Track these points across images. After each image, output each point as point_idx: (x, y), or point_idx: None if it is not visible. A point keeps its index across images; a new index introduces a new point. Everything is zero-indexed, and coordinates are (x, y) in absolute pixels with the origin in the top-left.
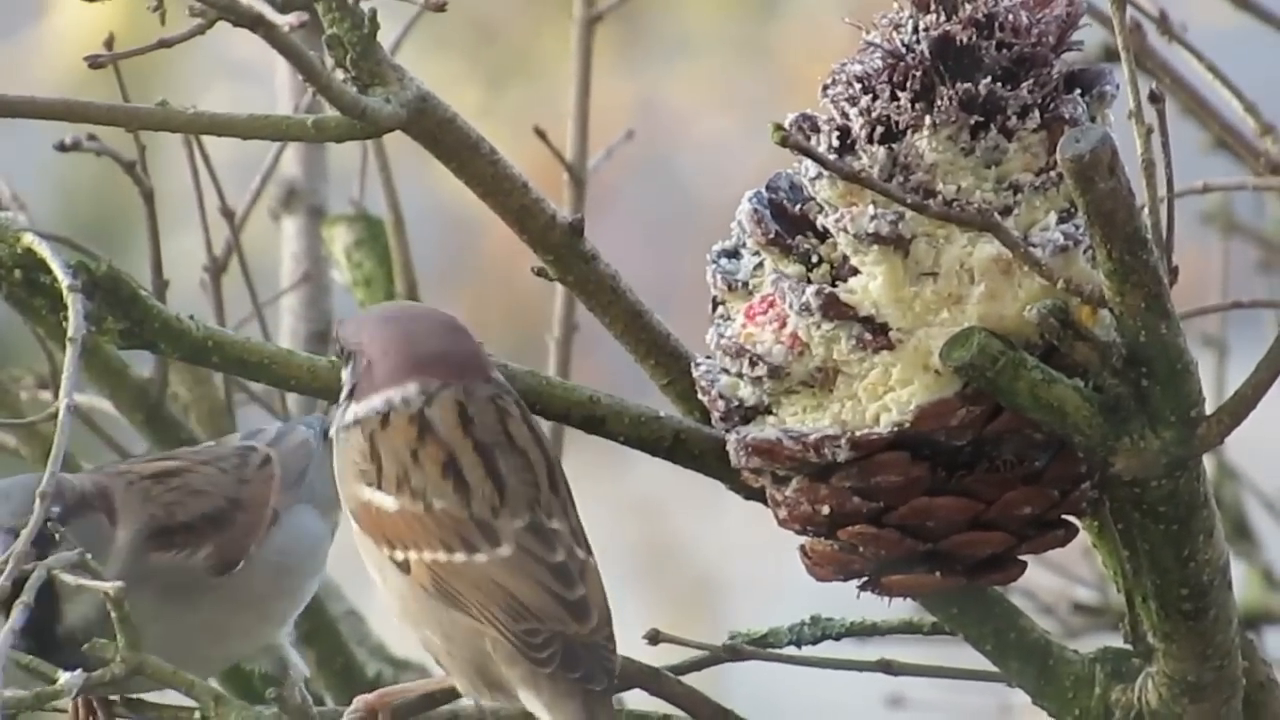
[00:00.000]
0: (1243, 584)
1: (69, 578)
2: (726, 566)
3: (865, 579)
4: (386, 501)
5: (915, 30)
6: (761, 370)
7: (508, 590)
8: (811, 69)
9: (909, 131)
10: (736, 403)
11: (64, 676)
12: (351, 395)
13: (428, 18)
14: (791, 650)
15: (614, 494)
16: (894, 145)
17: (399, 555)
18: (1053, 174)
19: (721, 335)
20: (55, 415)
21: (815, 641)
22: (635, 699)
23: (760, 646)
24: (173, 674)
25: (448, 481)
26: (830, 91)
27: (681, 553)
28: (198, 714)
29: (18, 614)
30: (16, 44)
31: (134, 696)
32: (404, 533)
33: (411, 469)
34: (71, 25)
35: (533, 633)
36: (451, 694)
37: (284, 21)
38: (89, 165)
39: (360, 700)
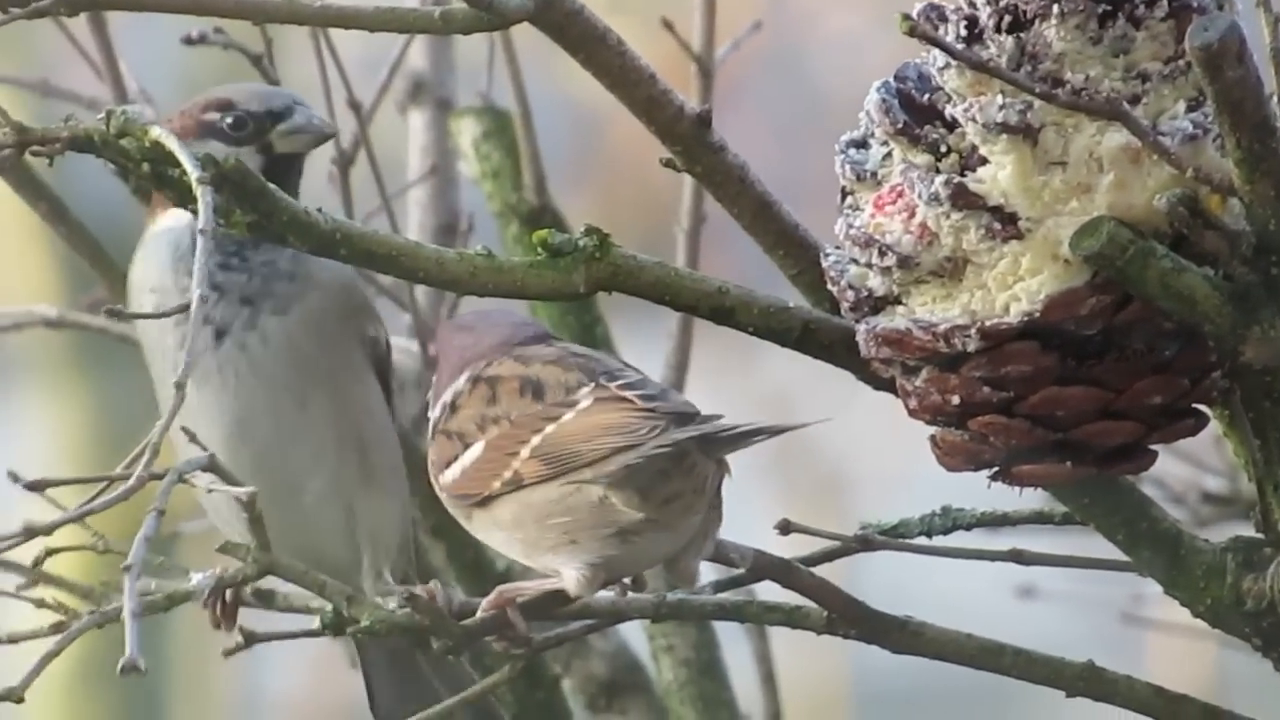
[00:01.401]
0: None
1: (205, 480)
2: (855, 460)
3: (995, 469)
4: (472, 453)
5: None
6: (890, 260)
7: (599, 421)
8: None
9: (1036, 20)
10: (866, 293)
11: (196, 577)
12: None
13: None
14: (922, 541)
15: (742, 388)
16: (1022, 34)
17: (506, 474)
18: (1181, 63)
19: (850, 225)
20: (187, 308)
21: (946, 532)
22: (766, 590)
23: (891, 537)
24: (304, 573)
25: (525, 396)
26: None
27: (810, 446)
28: (328, 606)
29: (148, 522)
30: None
31: (264, 589)
32: (503, 452)
33: (488, 409)
34: None
35: (636, 427)
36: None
37: None
38: (215, 60)
39: (490, 599)
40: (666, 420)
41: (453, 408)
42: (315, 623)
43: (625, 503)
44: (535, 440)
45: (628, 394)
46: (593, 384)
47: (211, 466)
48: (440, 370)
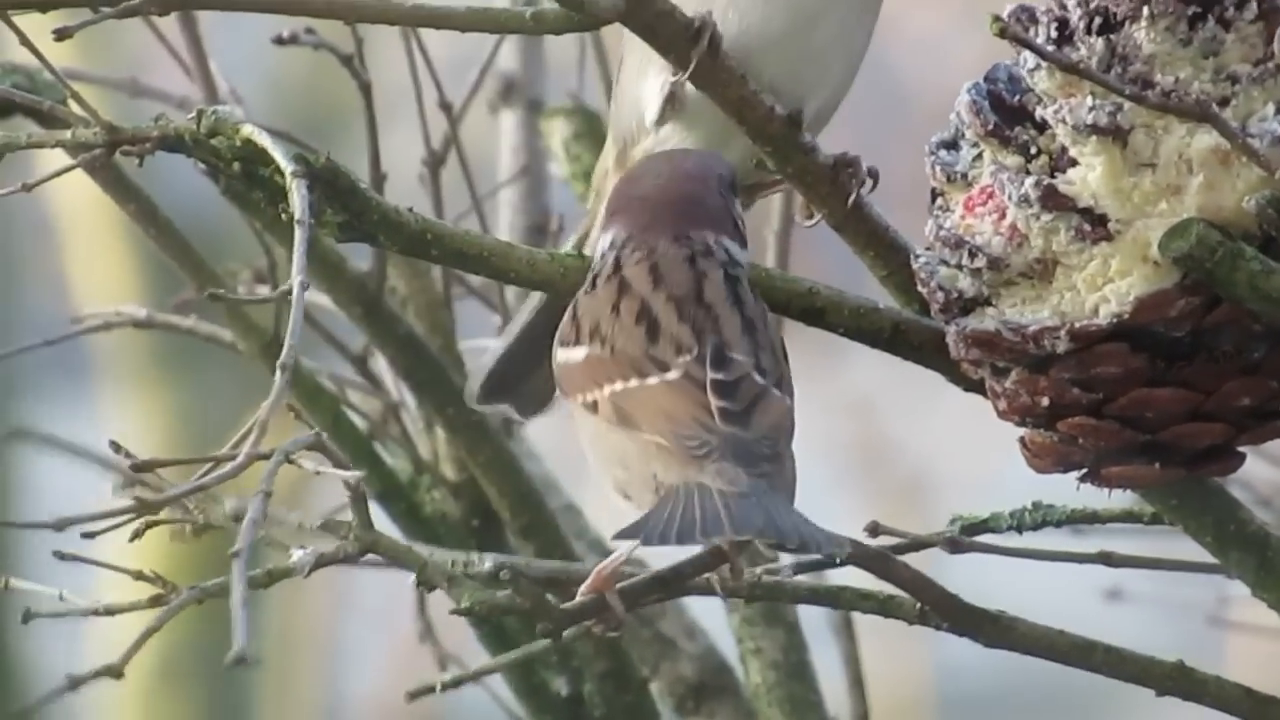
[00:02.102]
0: None
1: (312, 462)
2: (942, 463)
3: (1084, 470)
4: (578, 354)
5: None
6: (981, 261)
7: (667, 406)
8: None
9: (1126, 22)
10: (956, 294)
11: (296, 554)
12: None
13: None
14: (1010, 541)
15: (829, 391)
16: (1112, 36)
17: (589, 397)
18: (1270, 65)
19: (940, 226)
20: (285, 295)
21: (1036, 527)
22: (861, 579)
23: (981, 531)
24: (405, 551)
25: (640, 327)
26: None
27: (898, 449)
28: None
29: (256, 503)
30: None
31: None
32: (592, 376)
33: (606, 319)
34: None
35: (688, 438)
36: (679, 576)
37: None
38: (305, 60)
39: (589, 582)
40: (722, 446)
41: (594, 283)
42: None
43: (670, 472)
44: (617, 386)
45: (713, 392)
46: (693, 354)
47: (318, 445)
48: (623, 196)
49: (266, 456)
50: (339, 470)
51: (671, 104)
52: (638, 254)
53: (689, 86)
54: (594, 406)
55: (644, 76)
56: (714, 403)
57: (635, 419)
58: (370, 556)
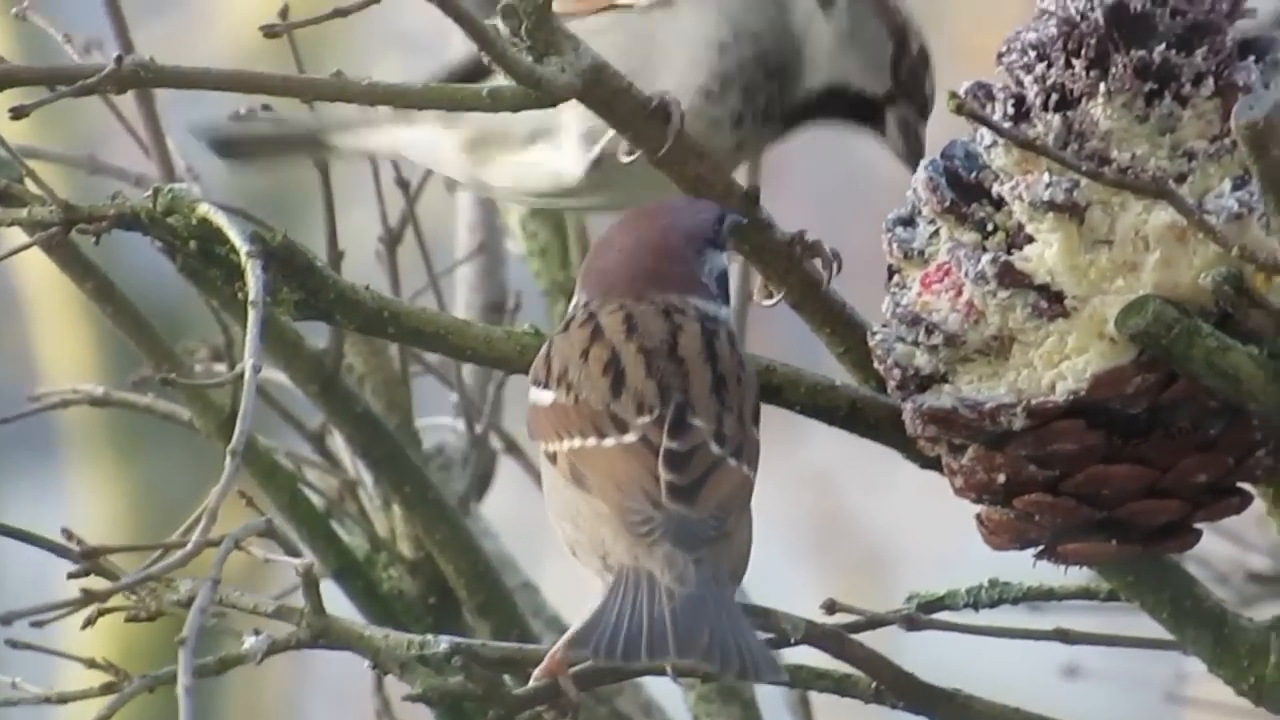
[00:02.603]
0: None
1: (263, 551)
2: (900, 538)
3: (1041, 547)
4: (545, 396)
5: None
6: (937, 338)
7: (619, 472)
8: (983, 38)
9: (1083, 99)
10: (913, 371)
11: (249, 640)
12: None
13: None
14: (967, 618)
15: (788, 465)
16: (1069, 113)
17: (550, 448)
18: (1226, 141)
19: (897, 303)
20: (239, 377)
21: (993, 604)
22: (818, 658)
23: (938, 609)
24: (359, 637)
25: (606, 378)
26: (1005, 59)
27: (854, 526)
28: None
29: (204, 591)
30: (190, 15)
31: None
32: (554, 425)
33: (574, 365)
34: None
35: (633, 511)
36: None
37: None
38: None
39: (543, 666)
40: (666, 524)
41: (566, 327)
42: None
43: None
44: (575, 443)
45: (664, 464)
46: (653, 415)
47: (268, 531)
48: (596, 244)
49: (216, 543)
50: (289, 559)
51: (598, 168)
52: (611, 305)
53: (622, 156)
54: (553, 458)
55: (554, 137)
56: (664, 475)
57: (588, 481)
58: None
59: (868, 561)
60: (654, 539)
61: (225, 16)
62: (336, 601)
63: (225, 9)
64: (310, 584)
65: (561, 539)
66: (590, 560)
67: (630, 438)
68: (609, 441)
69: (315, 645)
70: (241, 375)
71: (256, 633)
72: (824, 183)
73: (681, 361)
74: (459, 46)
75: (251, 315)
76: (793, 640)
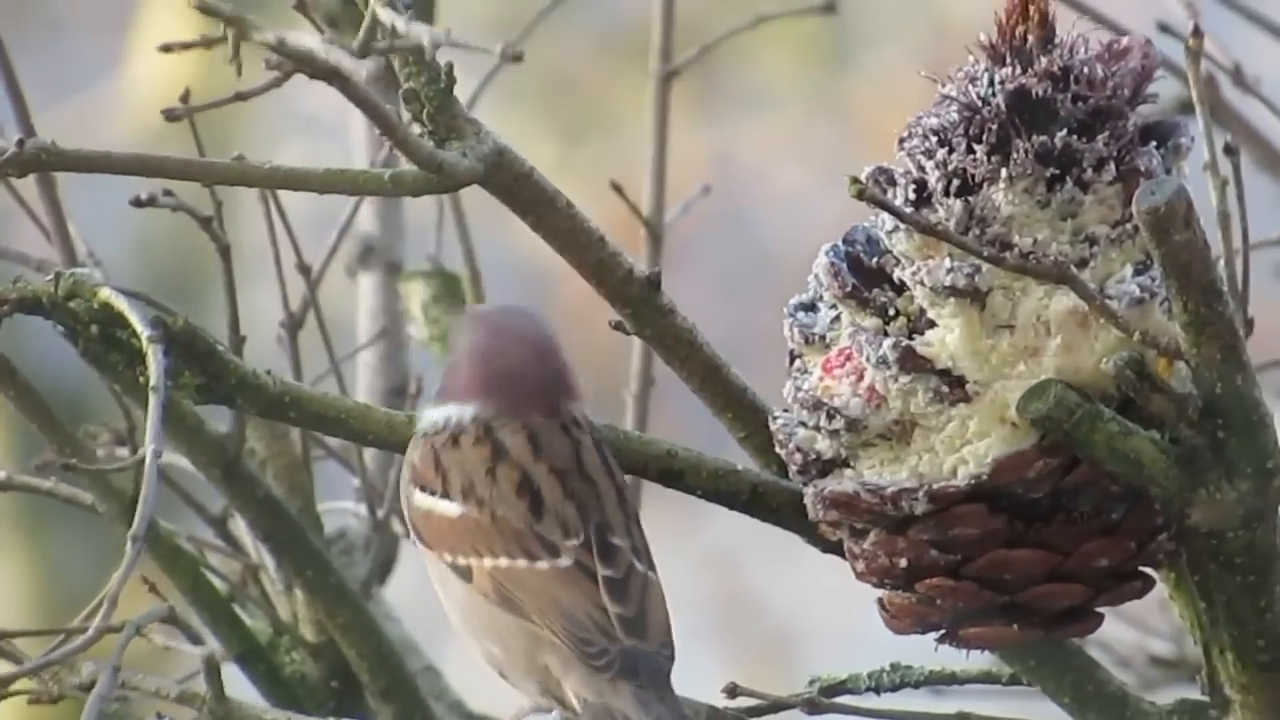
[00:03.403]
0: None
1: (164, 638)
2: (803, 620)
3: (943, 631)
4: (450, 508)
5: (991, 83)
6: (839, 423)
7: (562, 602)
8: (886, 121)
9: (985, 184)
10: (814, 455)
11: None
12: (435, 396)
13: (504, 73)
14: (869, 703)
15: (691, 548)
16: (970, 198)
17: (460, 561)
18: (1128, 226)
19: (799, 388)
20: (141, 462)
21: (895, 688)
22: None
23: (840, 693)
24: None
25: (522, 500)
26: (906, 144)
27: (759, 607)
28: None
29: (104, 679)
30: (92, 98)
31: None
32: (466, 539)
33: (481, 482)
34: (147, 79)
35: (587, 643)
36: None
37: (361, 72)
38: (165, 221)
39: None
40: (625, 661)
41: (454, 439)
42: None
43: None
44: (501, 562)
45: (606, 592)
46: (580, 539)
47: (170, 618)
48: (456, 368)
49: (117, 629)
50: (191, 647)
51: None
52: (510, 423)
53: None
54: (467, 573)
55: None
56: (610, 608)
57: (523, 605)
58: None
59: (772, 644)
60: (613, 674)
61: (128, 100)
62: (239, 685)
63: (129, 92)
64: (212, 671)
65: (483, 658)
66: (526, 685)
67: (564, 561)
68: (541, 564)
69: None
70: (143, 460)
71: (160, 716)
72: (727, 267)
73: (592, 481)
74: (360, 131)
75: (152, 400)
76: None
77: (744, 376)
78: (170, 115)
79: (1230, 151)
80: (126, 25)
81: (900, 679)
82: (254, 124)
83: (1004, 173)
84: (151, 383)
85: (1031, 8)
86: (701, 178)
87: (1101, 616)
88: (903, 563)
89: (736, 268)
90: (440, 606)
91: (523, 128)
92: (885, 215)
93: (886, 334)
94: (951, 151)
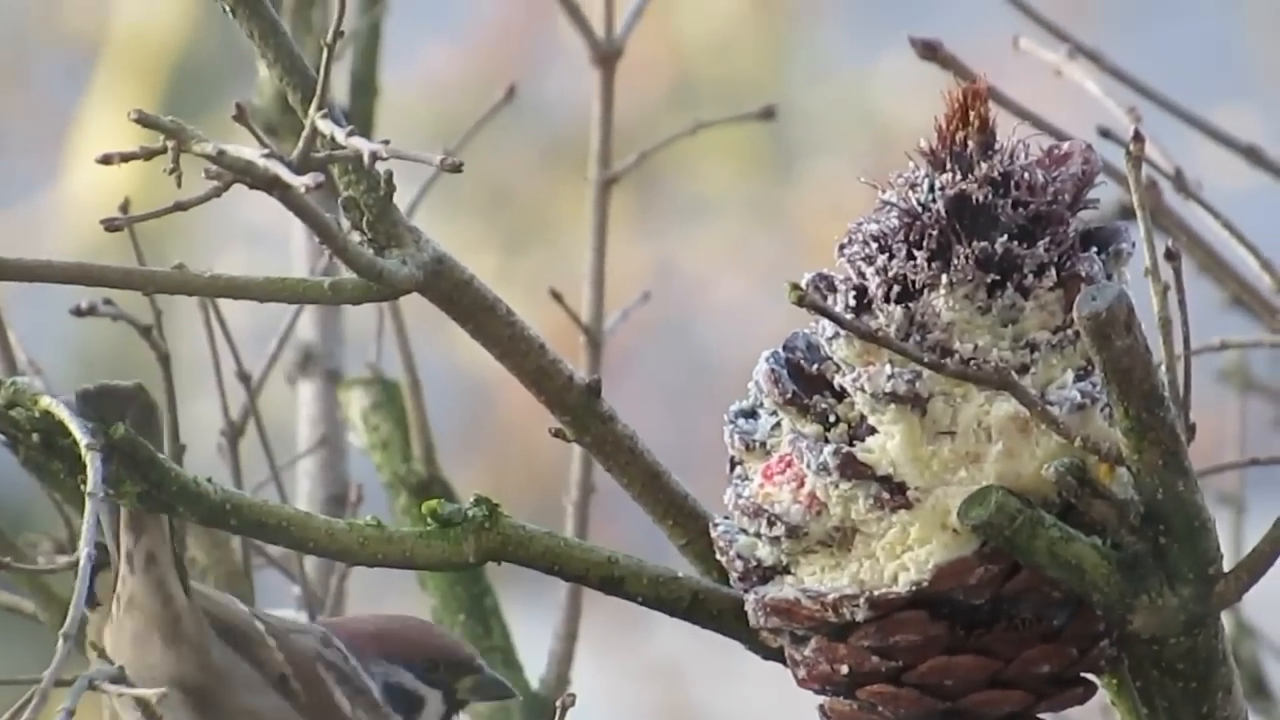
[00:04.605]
0: None
1: (110, 688)
2: None
3: None
4: None
5: (931, 189)
6: (779, 530)
7: None
8: (828, 230)
9: (925, 290)
10: (755, 562)
11: None
12: None
13: (444, 181)
14: None
15: (635, 661)
16: (911, 304)
17: None
18: (1069, 332)
19: (739, 495)
20: (71, 565)
21: None
22: None
23: None
24: None
25: None
26: (846, 251)
27: (702, 715)
28: None
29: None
30: (32, 208)
31: None
32: None
33: None
34: (85, 192)
35: None
36: None
37: (300, 183)
38: (106, 330)
39: None
40: None
41: None
42: None
43: None
44: None
45: None
46: None
47: (119, 677)
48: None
49: (69, 683)
50: (139, 691)
51: None
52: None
53: None
54: None
55: None
56: None
57: None
58: None
59: None
60: None
61: (67, 212)
62: None
63: (67, 205)
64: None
65: None
66: None
67: None
68: None
69: None
70: (78, 563)
71: None
72: (669, 376)
73: None
74: (301, 240)
75: (89, 504)
76: None
77: (685, 485)
78: (109, 225)
79: (1171, 256)
80: (64, 138)
81: None
82: (195, 235)
83: (944, 279)
84: (88, 488)
85: (971, 113)
86: (643, 287)
87: None
88: (844, 669)
89: (678, 378)
90: None
91: (464, 238)
92: (825, 322)
93: (827, 440)
94: (892, 257)
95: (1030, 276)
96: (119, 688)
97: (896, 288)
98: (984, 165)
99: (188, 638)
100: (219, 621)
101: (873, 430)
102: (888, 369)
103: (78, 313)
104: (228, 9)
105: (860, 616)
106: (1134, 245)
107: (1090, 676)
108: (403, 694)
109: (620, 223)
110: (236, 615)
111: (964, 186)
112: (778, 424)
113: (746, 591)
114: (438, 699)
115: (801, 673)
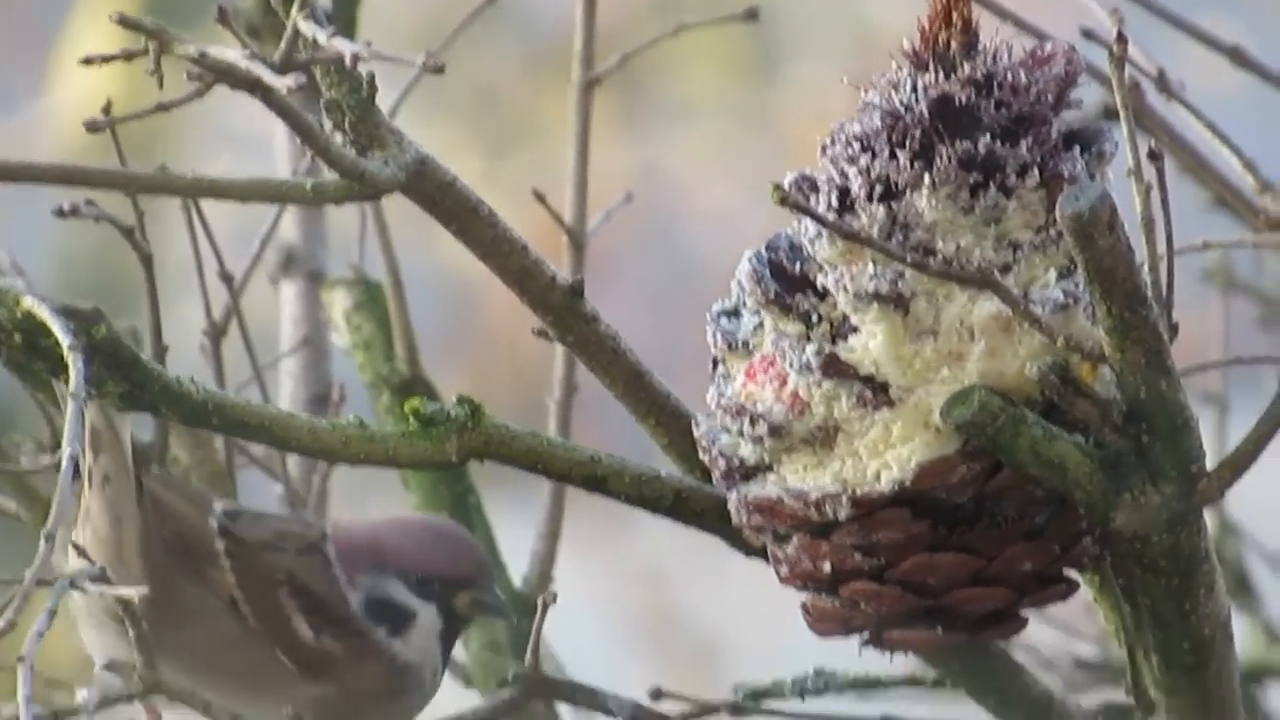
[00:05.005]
0: (1244, 639)
1: (91, 587)
2: (730, 628)
3: (867, 635)
4: None
5: (914, 90)
6: (762, 429)
7: None
8: (812, 133)
9: (908, 190)
10: (737, 461)
11: (81, 694)
12: None
13: (426, 84)
14: (794, 706)
15: (618, 557)
16: (893, 204)
17: None
18: (1052, 232)
19: (722, 394)
20: (54, 466)
21: (819, 693)
22: None
23: (765, 698)
24: (190, 693)
25: None
26: (829, 151)
27: (685, 614)
28: None
29: (39, 621)
30: (18, 121)
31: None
32: None
33: None
34: (70, 100)
35: None
36: None
37: (282, 85)
38: (89, 233)
39: None
40: None
41: None
42: None
43: None
44: None
45: None
46: None
47: (101, 577)
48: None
49: (50, 583)
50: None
51: None
52: None
53: None
54: None
55: None
56: None
57: None
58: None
59: (699, 654)
60: None
61: (52, 121)
62: None
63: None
64: (141, 635)
65: None
66: None
67: None
68: None
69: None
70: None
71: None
72: (653, 279)
73: None
74: (284, 143)
75: (70, 405)
76: None
77: (668, 385)
78: (91, 126)
79: (1154, 157)
80: (50, 50)
81: (825, 684)
82: (179, 142)
83: (927, 179)
84: (70, 389)
85: (954, 14)
86: (627, 190)
87: (1026, 620)
88: (826, 567)
89: (662, 280)
90: None
91: (446, 140)
92: (808, 221)
93: (809, 340)
94: (874, 158)
95: (1013, 177)
96: (100, 587)
97: (879, 188)
98: (967, 66)
99: (131, 562)
100: (178, 538)
101: (855, 330)
102: (870, 269)
103: (60, 214)
104: None
105: (843, 514)
106: (1117, 146)
107: (1073, 574)
108: (388, 608)
109: (604, 127)
110: (197, 532)
111: (947, 87)
112: (760, 324)
113: (729, 490)
114: (432, 612)
115: (784, 571)
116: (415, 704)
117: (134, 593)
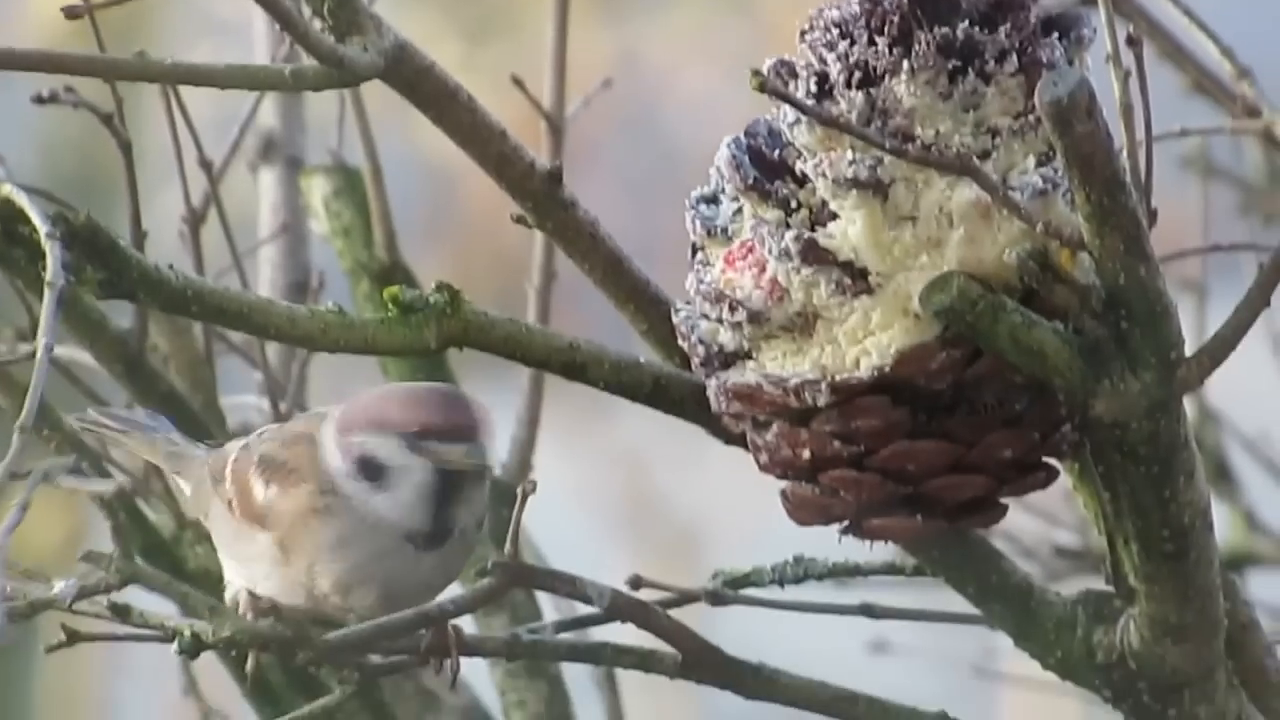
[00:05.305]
0: (1224, 526)
1: (67, 481)
2: (710, 515)
3: (846, 523)
4: None
5: None
6: (741, 315)
7: None
8: (793, 21)
9: (887, 76)
10: (716, 348)
11: (59, 585)
12: None
13: None
14: (773, 594)
15: (597, 445)
16: (872, 90)
17: None
18: (1030, 118)
19: (701, 281)
20: (33, 355)
21: (798, 581)
22: (622, 634)
23: (743, 585)
24: (168, 583)
25: None
26: (808, 37)
27: (665, 502)
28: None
29: (12, 515)
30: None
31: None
32: None
33: None
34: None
35: None
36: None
37: None
38: (69, 121)
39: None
40: None
41: None
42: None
43: None
44: None
45: None
46: None
47: (76, 469)
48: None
49: (24, 475)
50: (97, 485)
51: None
52: None
53: None
54: None
55: None
56: None
57: None
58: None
59: (678, 541)
60: None
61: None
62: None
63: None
64: (119, 526)
65: None
66: None
67: None
68: None
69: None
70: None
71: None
72: (633, 167)
73: None
74: (263, 30)
75: (48, 294)
76: (598, 607)
77: (648, 272)
78: (70, 12)
79: (1133, 42)
80: None
81: (804, 571)
82: (161, 29)
83: (906, 65)
84: (48, 277)
85: None
86: (605, 73)
87: (1005, 507)
88: (805, 454)
89: (642, 167)
90: None
91: (425, 27)
92: (787, 107)
93: (788, 226)
94: (853, 44)
95: (991, 62)
96: (75, 480)
97: (858, 74)
98: None
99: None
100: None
101: (834, 216)
102: (849, 155)
103: (39, 100)
104: None
105: (821, 401)
106: (1095, 31)
107: (1052, 461)
108: (374, 465)
109: (585, 14)
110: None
111: None
112: (739, 210)
113: (708, 377)
114: (422, 467)
115: (763, 458)
116: (395, 557)
117: (109, 486)
